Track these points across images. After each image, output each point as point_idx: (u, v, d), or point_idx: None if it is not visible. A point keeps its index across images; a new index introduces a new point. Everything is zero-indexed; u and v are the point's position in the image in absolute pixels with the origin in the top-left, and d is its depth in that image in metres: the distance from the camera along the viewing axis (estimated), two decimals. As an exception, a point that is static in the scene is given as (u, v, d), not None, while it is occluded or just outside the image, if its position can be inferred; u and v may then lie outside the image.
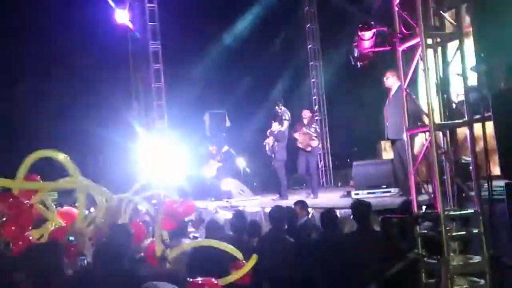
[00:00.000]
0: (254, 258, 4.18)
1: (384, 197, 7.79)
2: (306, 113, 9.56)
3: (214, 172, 11.48)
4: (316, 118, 15.42)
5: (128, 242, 3.67)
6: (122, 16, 12.67)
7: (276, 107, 9.70)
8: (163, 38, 13.31)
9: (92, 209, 5.08)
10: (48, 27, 12.24)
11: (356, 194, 8.30)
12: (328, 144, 15.56)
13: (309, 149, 9.27)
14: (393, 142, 7.56)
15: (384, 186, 8.10)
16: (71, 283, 3.14)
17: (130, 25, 12.84)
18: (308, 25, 15.55)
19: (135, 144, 12.54)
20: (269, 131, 9.75)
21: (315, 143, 9.30)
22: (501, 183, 4.34)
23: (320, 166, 15.47)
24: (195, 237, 5.86)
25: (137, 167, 12.06)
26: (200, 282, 3.53)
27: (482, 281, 4.17)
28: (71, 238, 4.48)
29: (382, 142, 10.13)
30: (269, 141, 9.72)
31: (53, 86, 12.92)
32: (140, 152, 12.37)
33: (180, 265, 4.07)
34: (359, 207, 5.09)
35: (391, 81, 7.40)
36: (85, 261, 4.04)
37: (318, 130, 9.54)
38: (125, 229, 3.90)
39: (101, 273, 3.04)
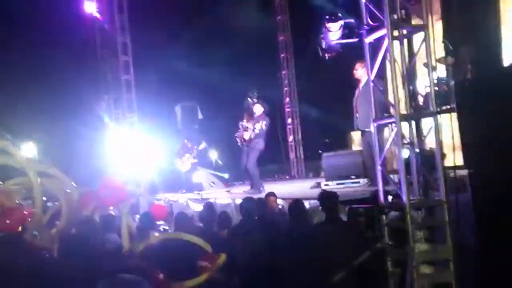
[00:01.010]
0: (222, 258, 4.17)
1: (353, 187, 7.87)
2: (257, 107, 9.28)
3: (189, 167, 11.41)
4: (288, 110, 15.58)
5: (94, 235, 3.62)
6: (90, 7, 12.44)
7: (249, 99, 9.57)
8: (132, 29, 13.12)
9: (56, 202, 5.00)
10: (15, 16, 11.95)
11: (325, 185, 8.37)
12: (300, 136, 15.65)
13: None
14: (362, 132, 7.63)
15: (354, 177, 8.17)
16: (30, 276, 3.09)
17: (98, 16, 12.61)
18: (279, 16, 15.54)
19: (104, 136, 12.36)
20: (240, 123, 9.64)
21: (246, 135, 9.09)
22: (465, 172, 4.44)
23: (291, 157, 15.57)
24: (164, 230, 5.83)
25: (105, 160, 11.90)
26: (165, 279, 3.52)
27: (447, 269, 4.26)
28: (35, 232, 4.40)
29: (352, 133, 10.21)
30: (241, 133, 9.59)
31: (19, 77, 12.63)
32: (109, 145, 12.20)
33: (147, 258, 4.04)
34: (326, 198, 5.12)
35: (360, 72, 7.44)
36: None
37: (263, 128, 9.02)
38: (91, 221, 3.84)
39: (66, 267, 2.99)
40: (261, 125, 9.00)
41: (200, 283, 4.02)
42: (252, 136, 9.05)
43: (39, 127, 12.47)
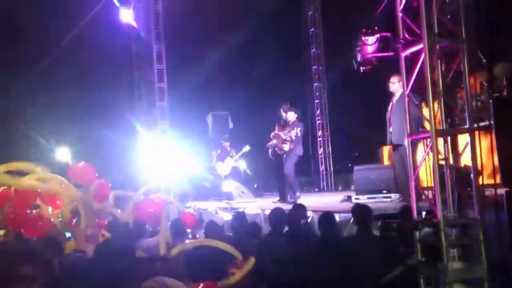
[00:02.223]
0: (251, 261, 4.20)
1: (384, 202, 7.79)
2: (290, 114, 9.31)
3: (229, 171, 11.44)
4: (318, 122, 15.55)
5: (128, 241, 3.68)
6: (126, 16, 12.72)
7: (283, 111, 9.59)
8: (166, 38, 13.36)
9: None
10: (54, 24, 12.28)
11: (356, 198, 8.30)
12: (330, 148, 15.60)
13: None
14: (395, 147, 7.56)
15: (385, 191, 8.10)
16: (64, 277, 3.16)
17: (135, 25, 12.88)
18: (312, 29, 15.59)
19: (136, 143, 12.56)
20: (272, 133, 9.67)
21: (286, 146, 9.09)
22: (502, 191, 4.35)
23: (321, 170, 15.51)
24: (195, 237, 5.89)
25: (137, 167, 12.09)
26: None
27: (481, 288, 4.17)
28: (68, 235, 4.51)
29: (384, 147, 10.12)
30: (277, 145, 9.57)
31: (57, 84, 12.96)
32: (142, 152, 12.39)
33: (180, 264, 4.09)
34: (360, 211, 5.10)
35: (395, 86, 7.38)
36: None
37: (299, 134, 9.03)
38: (126, 227, 3.91)
39: (101, 271, 3.06)
40: (296, 131, 9.03)
41: (231, 284, 4.05)
42: (292, 146, 9.09)
43: (74, 133, 12.75)
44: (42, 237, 4.21)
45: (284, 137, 9.15)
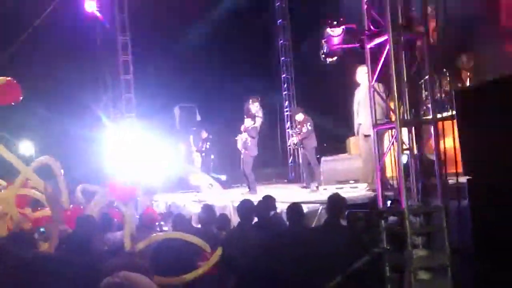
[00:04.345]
0: (219, 251, 4.20)
1: (351, 192, 7.89)
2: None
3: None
4: (287, 113, 15.61)
5: (93, 234, 3.62)
6: (90, 5, 12.45)
7: (250, 102, 9.71)
8: (132, 29, 13.13)
9: None
10: (15, 15, 11.93)
11: (324, 189, 8.39)
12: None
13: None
14: (364, 137, 7.65)
15: (352, 181, 8.21)
16: (30, 269, 3.10)
17: (98, 15, 12.61)
18: (280, 20, 15.58)
19: (102, 136, 12.35)
20: (243, 126, 9.77)
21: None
22: (464, 179, 4.46)
23: (290, 161, 15.58)
24: (162, 230, 5.84)
25: (103, 160, 11.89)
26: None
27: (444, 275, 4.27)
28: (42, 229, 4.43)
29: (351, 138, 10.24)
30: (242, 136, 9.73)
31: (19, 77, 12.59)
32: (108, 145, 12.19)
33: (146, 258, 4.05)
34: (334, 202, 5.15)
35: (363, 77, 7.44)
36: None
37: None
38: (91, 220, 3.85)
39: (65, 263, 3.00)
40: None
41: (197, 277, 4.03)
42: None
43: (37, 126, 12.45)
44: (10, 234, 4.11)
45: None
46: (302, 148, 9.90)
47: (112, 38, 13.12)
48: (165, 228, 6.16)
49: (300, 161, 9.91)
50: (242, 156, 9.76)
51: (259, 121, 9.62)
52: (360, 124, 7.55)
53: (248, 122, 9.65)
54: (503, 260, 3.98)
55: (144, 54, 13.32)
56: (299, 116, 10.04)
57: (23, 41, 12.30)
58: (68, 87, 12.72)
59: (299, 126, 9.88)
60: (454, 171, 4.50)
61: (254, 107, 9.63)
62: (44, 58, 12.57)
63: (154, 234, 4.96)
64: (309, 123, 9.74)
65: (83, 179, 7.52)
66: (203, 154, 11.66)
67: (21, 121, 11.98)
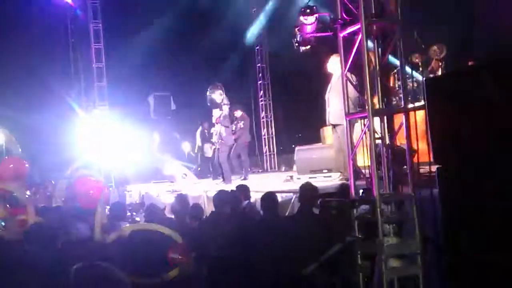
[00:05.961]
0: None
1: (325, 181, 7.93)
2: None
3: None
4: (262, 103, 15.59)
5: (61, 224, 3.55)
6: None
7: (210, 92, 9.48)
8: (104, 16, 12.87)
9: None
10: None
11: (298, 178, 8.41)
12: (273, 129, 15.67)
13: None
14: (334, 127, 7.67)
15: (326, 171, 8.24)
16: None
17: (70, 1, 12.34)
18: (254, 9, 15.48)
19: (74, 126, 12.14)
20: (214, 118, 9.66)
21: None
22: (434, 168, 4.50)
23: (264, 150, 15.60)
24: (134, 221, 5.78)
25: (74, 150, 11.69)
26: None
27: (415, 262, 4.33)
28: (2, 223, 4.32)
29: (324, 128, 10.28)
30: (216, 128, 9.61)
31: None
32: (80, 135, 11.99)
33: (116, 248, 4.00)
34: (306, 191, 5.16)
35: (334, 66, 7.43)
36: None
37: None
38: (58, 211, 3.78)
39: (30, 256, 2.94)
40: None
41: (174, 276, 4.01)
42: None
43: (7, 115, 12.15)
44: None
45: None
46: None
47: (84, 26, 12.85)
48: (137, 219, 6.09)
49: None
50: (217, 147, 9.62)
51: (226, 108, 9.47)
52: (329, 112, 7.57)
53: (216, 113, 9.48)
54: (472, 247, 4.04)
55: (117, 41, 13.09)
56: (238, 113, 10.43)
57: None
58: (40, 75, 12.44)
59: (235, 122, 10.24)
60: (428, 160, 4.54)
61: (217, 95, 9.37)
62: (15, 46, 12.26)
63: (127, 225, 4.90)
64: (242, 122, 10.23)
65: (54, 170, 7.38)
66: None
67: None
